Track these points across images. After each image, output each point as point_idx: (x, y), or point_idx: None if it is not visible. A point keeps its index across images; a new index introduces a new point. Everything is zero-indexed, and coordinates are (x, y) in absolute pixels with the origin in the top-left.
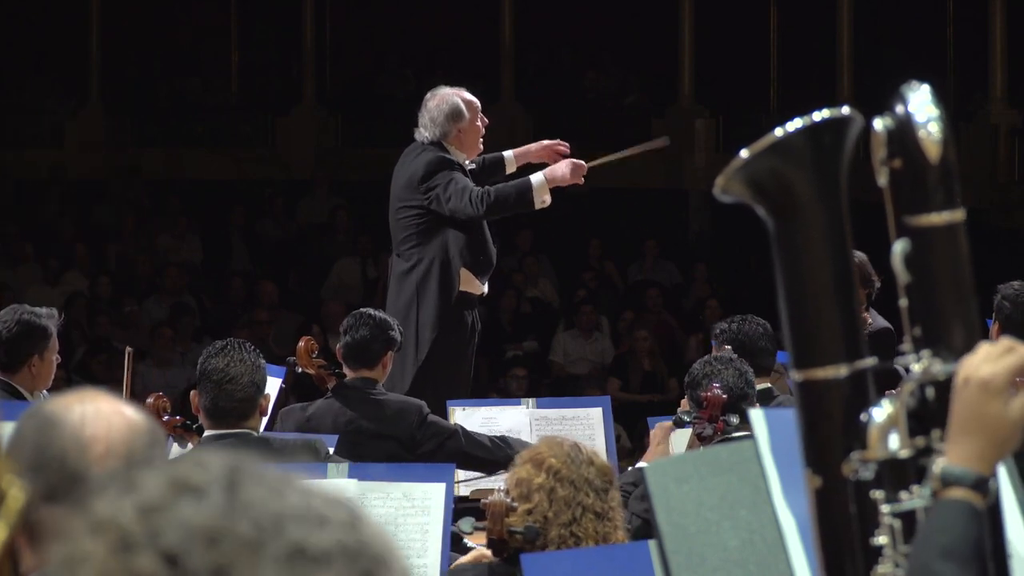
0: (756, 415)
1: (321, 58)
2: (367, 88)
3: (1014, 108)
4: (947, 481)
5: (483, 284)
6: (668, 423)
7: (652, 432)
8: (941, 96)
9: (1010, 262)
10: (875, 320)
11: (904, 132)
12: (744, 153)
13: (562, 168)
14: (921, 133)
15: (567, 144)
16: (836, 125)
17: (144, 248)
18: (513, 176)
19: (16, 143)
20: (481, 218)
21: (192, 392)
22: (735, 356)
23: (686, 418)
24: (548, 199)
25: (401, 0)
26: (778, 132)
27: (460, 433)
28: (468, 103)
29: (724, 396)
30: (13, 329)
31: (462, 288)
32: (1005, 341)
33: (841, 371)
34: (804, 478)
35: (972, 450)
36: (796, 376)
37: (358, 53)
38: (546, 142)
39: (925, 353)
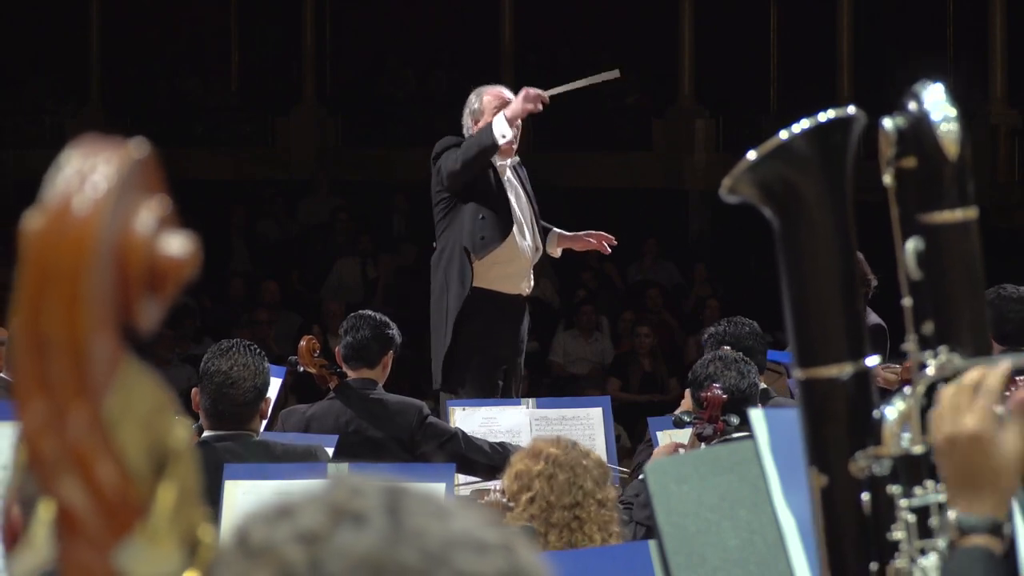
0: (756, 415)
1: (321, 58)
2: (367, 88)
3: (1014, 108)
4: (964, 530)
5: (519, 283)
6: (675, 444)
7: (661, 447)
8: None
9: (1010, 262)
10: (868, 318)
11: (920, 130)
12: (752, 155)
13: (516, 102)
14: (940, 130)
15: (613, 240)
16: (842, 125)
17: None
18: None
19: (16, 143)
20: (460, 171)
21: (193, 390)
22: (740, 356)
23: (686, 418)
24: (509, 134)
25: (401, 0)
26: (784, 134)
27: (460, 436)
28: (489, 101)
29: (724, 396)
30: None
31: (493, 287)
32: (966, 378)
33: (845, 370)
34: (808, 477)
35: (983, 502)
36: (800, 375)
37: (358, 53)
38: (594, 234)
39: (942, 349)
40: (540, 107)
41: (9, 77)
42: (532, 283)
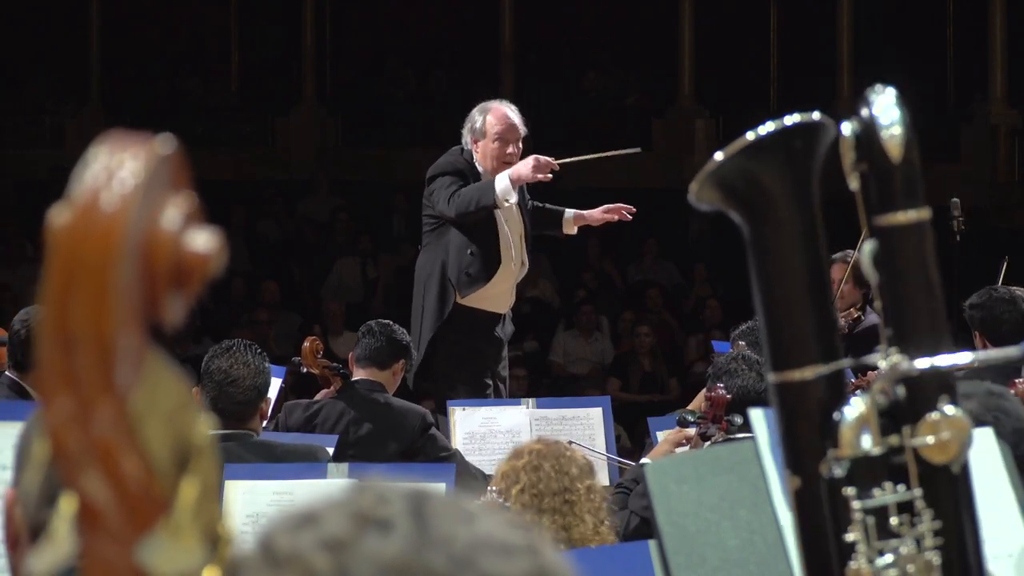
0: (756, 415)
1: (321, 58)
2: (367, 88)
3: (1014, 108)
4: None
5: (502, 303)
6: (684, 432)
7: (669, 434)
8: (941, 96)
9: (1010, 262)
10: (867, 317)
11: (868, 135)
12: (718, 155)
13: (524, 167)
14: (884, 134)
15: (631, 208)
16: (807, 129)
17: None
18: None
19: (16, 143)
20: (454, 219)
21: (194, 390)
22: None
23: (690, 417)
24: (513, 198)
25: (401, 0)
26: (750, 135)
27: (456, 457)
28: (491, 123)
29: (728, 396)
30: (33, 330)
31: (475, 305)
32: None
33: (818, 372)
34: (783, 480)
35: None
36: (772, 378)
37: (358, 53)
38: (610, 207)
39: (893, 350)
40: (550, 176)
41: (9, 77)
42: (513, 299)
